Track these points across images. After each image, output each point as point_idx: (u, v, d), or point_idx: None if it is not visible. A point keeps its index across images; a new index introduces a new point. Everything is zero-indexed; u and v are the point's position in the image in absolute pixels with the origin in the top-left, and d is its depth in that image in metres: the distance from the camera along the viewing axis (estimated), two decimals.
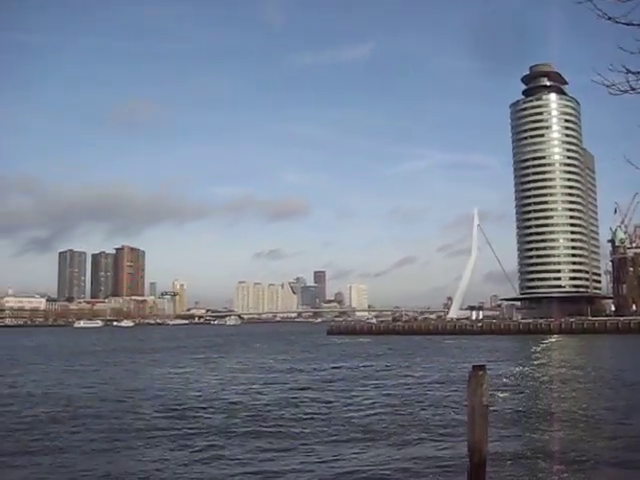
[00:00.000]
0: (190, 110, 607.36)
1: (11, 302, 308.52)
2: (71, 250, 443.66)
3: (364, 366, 49.35)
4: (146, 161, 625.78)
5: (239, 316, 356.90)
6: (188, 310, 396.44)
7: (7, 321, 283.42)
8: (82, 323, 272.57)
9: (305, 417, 24.28)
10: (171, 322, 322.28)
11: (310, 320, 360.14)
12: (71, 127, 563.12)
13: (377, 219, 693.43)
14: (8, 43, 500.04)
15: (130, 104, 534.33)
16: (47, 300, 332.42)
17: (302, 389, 33.76)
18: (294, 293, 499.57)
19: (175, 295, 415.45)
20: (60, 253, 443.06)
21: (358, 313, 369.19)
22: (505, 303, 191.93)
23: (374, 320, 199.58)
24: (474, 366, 11.05)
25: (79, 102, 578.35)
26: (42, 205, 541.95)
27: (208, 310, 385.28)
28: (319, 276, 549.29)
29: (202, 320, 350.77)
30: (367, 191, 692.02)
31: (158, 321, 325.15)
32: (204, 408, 26.56)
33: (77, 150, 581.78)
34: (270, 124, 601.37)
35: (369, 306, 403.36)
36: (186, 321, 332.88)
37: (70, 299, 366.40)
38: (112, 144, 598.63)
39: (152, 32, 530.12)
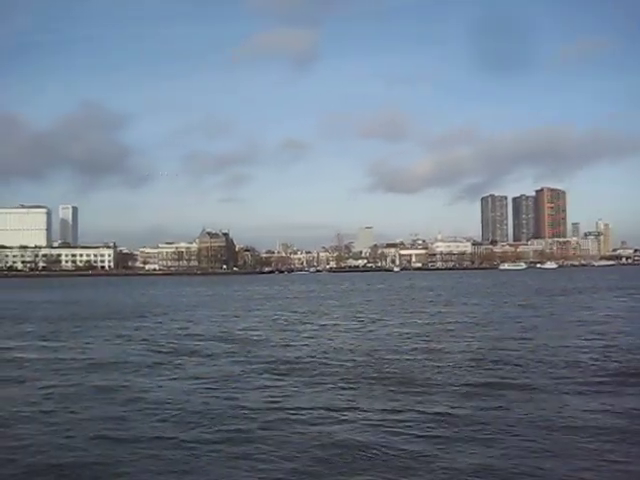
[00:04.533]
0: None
1: (441, 247, 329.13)
2: (492, 195, 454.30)
3: None
4: (585, 99, 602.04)
5: None
6: (614, 250, 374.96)
7: (438, 264, 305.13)
8: (506, 265, 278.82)
9: None
10: (596, 263, 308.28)
11: None
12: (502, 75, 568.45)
13: None
14: None
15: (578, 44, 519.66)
16: (472, 244, 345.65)
17: None
18: None
19: (599, 235, 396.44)
20: (482, 198, 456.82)
21: None
22: None
23: None
24: None
25: (490, 48, 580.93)
26: (479, 153, 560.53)
27: (636, 250, 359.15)
28: None
29: (630, 261, 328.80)
30: None
31: (582, 262, 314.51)
32: None
33: (513, 96, 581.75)
34: None
35: None
36: (612, 262, 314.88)
37: (494, 242, 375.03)
38: (551, 86, 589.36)
39: None
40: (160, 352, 25.39)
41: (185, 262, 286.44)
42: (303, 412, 14.60)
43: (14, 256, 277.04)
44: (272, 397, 16.31)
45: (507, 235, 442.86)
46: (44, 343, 29.13)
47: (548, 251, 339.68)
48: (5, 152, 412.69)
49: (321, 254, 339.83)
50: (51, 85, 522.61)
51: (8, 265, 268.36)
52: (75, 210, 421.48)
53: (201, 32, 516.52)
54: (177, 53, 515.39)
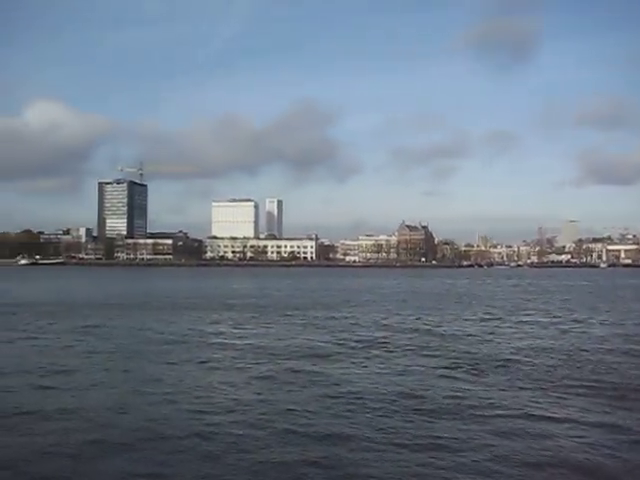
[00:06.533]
0: None
1: None
2: None
3: None
4: None
5: None
6: None
7: None
8: None
9: None
10: None
11: None
12: None
13: None
14: None
15: None
16: None
17: None
18: None
19: None
20: None
21: None
22: None
23: None
24: None
25: None
26: None
27: None
28: None
29: None
30: None
31: None
32: None
33: None
34: None
35: None
36: None
37: None
38: None
39: None
40: (359, 342, 26.37)
41: (384, 254, 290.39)
42: (500, 417, 14.15)
43: (225, 246, 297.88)
44: (465, 396, 16.20)
45: None
46: (247, 330, 31.36)
47: None
48: (226, 150, 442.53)
49: (522, 248, 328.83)
50: (268, 85, 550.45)
51: (220, 254, 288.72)
52: (280, 203, 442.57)
53: (414, 23, 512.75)
54: (387, 46, 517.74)
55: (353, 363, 21.23)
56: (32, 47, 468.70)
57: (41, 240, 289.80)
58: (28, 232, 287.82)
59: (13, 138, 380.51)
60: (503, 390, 17.02)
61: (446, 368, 20.33)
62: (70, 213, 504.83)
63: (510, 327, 33.51)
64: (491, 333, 30.40)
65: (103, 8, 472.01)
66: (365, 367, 20.48)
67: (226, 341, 26.75)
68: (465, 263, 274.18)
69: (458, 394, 16.39)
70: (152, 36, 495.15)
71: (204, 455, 11.51)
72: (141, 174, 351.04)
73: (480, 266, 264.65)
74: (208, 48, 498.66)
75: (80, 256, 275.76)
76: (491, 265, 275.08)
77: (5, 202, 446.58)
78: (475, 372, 19.64)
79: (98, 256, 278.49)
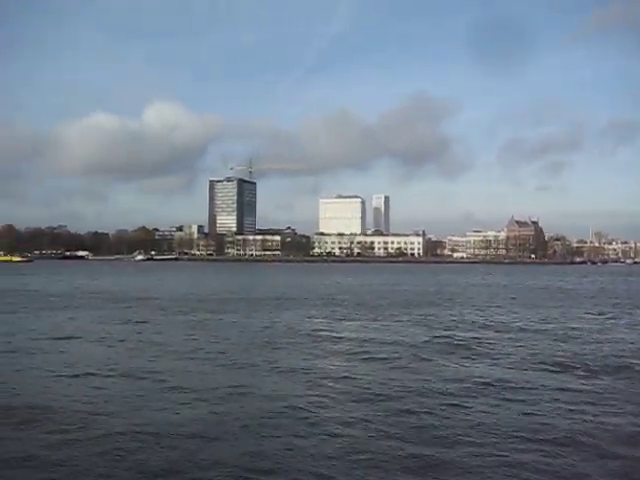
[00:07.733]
0: None
1: None
2: None
3: None
4: None
5: None
6: None
7: None
8: None
9: None
10: None
11: None
12: None
13: None
14: None
15: None
16: None
17: None
18: None
19: None
20: None
21: None
22: None
23: None
24: None
25: None
26: None
27: None
28: None
29: None
30: None
31: None
32: None
33: None
34: None
35: None
36: None
37: None
38: None
39: None
40: (464, 343, 25.47)
41: (493, 251, 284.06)
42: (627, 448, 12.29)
43: (332, 242, 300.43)
44: (583, 418, 14.48)
45: None
46: (350, 328, 31.01)
47: None
48: (335, 146, 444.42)
49: (639, 244, 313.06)
50: (379, 81, 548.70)
51: (327, 250, 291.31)
52: (387, 199, 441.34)
53: (531, 11, 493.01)
54: (501, 37, 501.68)
55: (457, 368, 20.28)
56: (150, 50, 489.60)
57: (156, 237, 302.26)
58: (144, 229, 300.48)
59: (133, 138, 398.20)
60: (625, 411, 15.04)
61: (557, 372, 19.27)
62: (183, 210, 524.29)
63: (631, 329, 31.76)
64: (608, 335, 28.77)
65: (202, 10, 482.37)
66: (470, 374, 19.31)
67: (329, 340, 26.57)
68: (577, 260, 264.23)
69: (576, 415, 14.44)
70: (254, 37, 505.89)
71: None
72: (250, 172, 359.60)
73: (593, 263, 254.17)
74: (315, 46, 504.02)
75: (192, 252, 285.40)
76: (605, 262, 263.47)
77: (124, 201, 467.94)
78: (592, 384, 17.80)
79: (209, 252, 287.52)
